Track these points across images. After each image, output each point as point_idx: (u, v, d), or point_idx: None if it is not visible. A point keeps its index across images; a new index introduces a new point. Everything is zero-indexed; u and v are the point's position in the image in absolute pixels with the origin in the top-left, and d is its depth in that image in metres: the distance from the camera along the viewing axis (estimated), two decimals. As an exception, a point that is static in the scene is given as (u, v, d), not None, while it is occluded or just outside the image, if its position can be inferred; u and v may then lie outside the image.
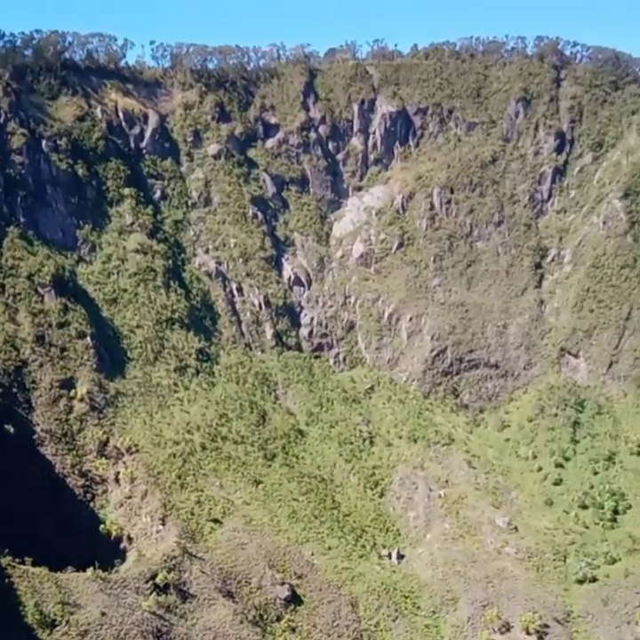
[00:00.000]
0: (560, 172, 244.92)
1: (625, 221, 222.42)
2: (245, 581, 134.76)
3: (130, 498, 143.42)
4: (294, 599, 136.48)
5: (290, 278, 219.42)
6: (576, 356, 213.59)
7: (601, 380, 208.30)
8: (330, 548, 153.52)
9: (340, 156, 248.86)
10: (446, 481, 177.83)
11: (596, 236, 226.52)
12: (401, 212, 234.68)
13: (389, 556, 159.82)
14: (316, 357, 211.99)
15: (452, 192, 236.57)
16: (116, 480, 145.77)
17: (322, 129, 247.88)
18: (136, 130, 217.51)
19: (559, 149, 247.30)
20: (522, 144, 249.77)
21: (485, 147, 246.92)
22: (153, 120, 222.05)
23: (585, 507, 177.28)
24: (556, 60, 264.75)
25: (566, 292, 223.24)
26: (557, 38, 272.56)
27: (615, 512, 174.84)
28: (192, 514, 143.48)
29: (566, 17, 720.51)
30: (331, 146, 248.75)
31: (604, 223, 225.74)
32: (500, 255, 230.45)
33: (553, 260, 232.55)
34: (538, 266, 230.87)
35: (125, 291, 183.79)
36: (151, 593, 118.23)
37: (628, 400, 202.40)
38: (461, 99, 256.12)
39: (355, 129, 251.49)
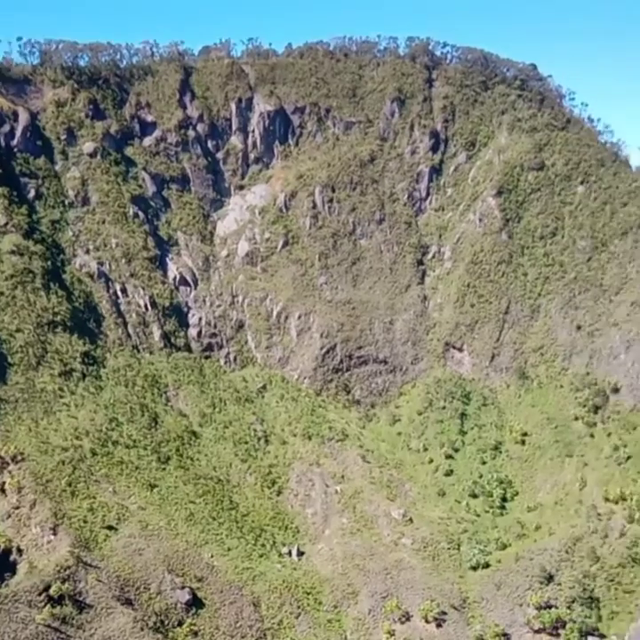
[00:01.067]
0: (436, 170, 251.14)
1: (499, 219, 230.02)
2: (144, 587, 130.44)
3: (18, 508, 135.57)
4: (195, 602, 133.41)
5: (175, 278, 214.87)
6: (460, 349, 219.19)
7: (484, 372, 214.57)
8: (229, 549, 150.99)
9: (219, 155, 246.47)
10: (342, 476, 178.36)
11: (473, 233, 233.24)
12: (284, 210, 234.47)
13: (289, 553, 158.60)
14: (206, 358, 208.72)
15: (333, 191, 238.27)
16: (2, 490, 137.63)
17: (200, 127, 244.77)
18: (6, 128, 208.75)
19: (434, 148, 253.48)
20: (398, 143, 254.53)
21: (363, 146, 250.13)
22: (23, 118, 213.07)
23: (475, 496, 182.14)
24: (428, 61, 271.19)
25: (448, 287, 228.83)
26: (428, 39, 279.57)
27: (503, 499, 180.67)
28: (85, 522, 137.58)
29: (435, 17, 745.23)
30: (210, 144, 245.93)
31: (480, 220, 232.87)
32: (383, 253, 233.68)
33: (434, 256, 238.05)
34: (420, 263, 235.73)
35: (2, 294, 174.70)
36: (45, 605, 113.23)
37: (510, 391, 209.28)
38: (338, 98, 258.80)
39: (233, 127, 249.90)
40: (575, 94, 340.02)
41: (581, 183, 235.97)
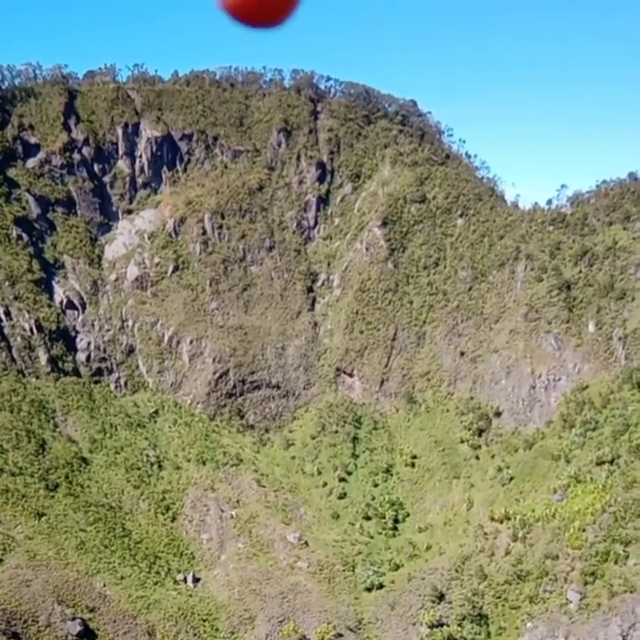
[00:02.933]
0: (323, 200, 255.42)
1: (385, 248, 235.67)
2: (32, 620, 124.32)
3: None
4: (87, 634, 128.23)
5: (62, 302, 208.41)
6: (350, 374, 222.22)
7: (374, 397, 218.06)
8: (122, 578, 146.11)
9: (106, 179, 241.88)
10: (237, 501, 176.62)
11: (360, 261, 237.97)
12: (173, 235, 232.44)
13: (185, 580, 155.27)
14: (96, 382, 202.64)
15: (222, 217, 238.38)
16: None
17: (86, 150, 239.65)
18: None
19: (321, 179, 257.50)
20: (286, 173, 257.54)
21: (252, 174, 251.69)
22: None
23: (368, 517, 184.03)
24: (312, 94, 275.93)
25: (337, 314, 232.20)
26: (312, 72, 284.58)
27: (395, 521, 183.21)
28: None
29: (319, 51, 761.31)
30: (96, 168, 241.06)
31: (367, 250, 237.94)
32: (273, 279, 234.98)
33: (323, 284, 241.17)
34: (310, 290, 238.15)
35: None
36: None
37: (399, 415, 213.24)
38: (225, 126, 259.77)
39: (120, 152, 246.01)
40: (453, 131, 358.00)
41: (461, 216, 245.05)
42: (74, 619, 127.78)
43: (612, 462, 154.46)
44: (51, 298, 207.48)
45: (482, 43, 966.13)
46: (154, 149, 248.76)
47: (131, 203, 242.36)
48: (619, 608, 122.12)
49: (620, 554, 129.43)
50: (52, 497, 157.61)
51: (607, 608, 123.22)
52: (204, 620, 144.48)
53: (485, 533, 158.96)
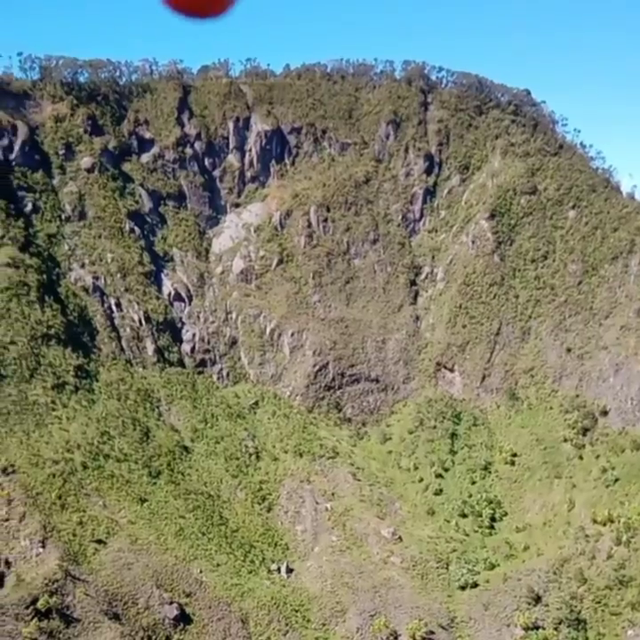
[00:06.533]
0: (430, 192, 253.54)
1: (492, 241, 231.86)
2: (132, 602, 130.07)
3: (7, 520, 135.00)
4: (183, 618, 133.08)
5: (170, 294, 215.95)
6: (451, 370, 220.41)
7: (475, 392, 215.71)
8: (218, 565, 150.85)
9: (216, 173, 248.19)
10: (332, 494, 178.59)
11: (465, 254, 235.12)
12: (279, 228, 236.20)
13: (278, 570, 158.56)
14: (199, 373, 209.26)
15: (328, 210, 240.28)
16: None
17: (197, 145, 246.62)
18: (4, 141, 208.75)
19: (428, 171, 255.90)
20: (393, 165, 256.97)
21: (359, 167, 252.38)
22: (22, 132, 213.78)
23: (464, 515, 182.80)
24: (423, 85, 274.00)
25: (440, 308, 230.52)
26: (424, 63, 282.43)
27: (492, 519, 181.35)
28: (74, 535, 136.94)
29: (431, 42, 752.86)
30: (207, 162, 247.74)
31: (473, 242, 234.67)
32: (376, 272, 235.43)
33: (426, 277, 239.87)
34: (413, 283, 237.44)
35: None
36: (32, 619, 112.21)
37: (500, 412, 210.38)
38: (334, 119, 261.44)
39: (230, 146, 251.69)
40: (568, 120, 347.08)
41: (573, 208, 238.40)
42: (171, 603, 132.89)
43: None
44: (159, 290, 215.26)
45: (599, 28, 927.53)
46: (263, 143, 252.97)
47: (239, 196, 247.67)
48: None
49: None
50: (155, 484, 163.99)
51: None
52: (296, 611, 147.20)
53: (587, 536, 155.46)
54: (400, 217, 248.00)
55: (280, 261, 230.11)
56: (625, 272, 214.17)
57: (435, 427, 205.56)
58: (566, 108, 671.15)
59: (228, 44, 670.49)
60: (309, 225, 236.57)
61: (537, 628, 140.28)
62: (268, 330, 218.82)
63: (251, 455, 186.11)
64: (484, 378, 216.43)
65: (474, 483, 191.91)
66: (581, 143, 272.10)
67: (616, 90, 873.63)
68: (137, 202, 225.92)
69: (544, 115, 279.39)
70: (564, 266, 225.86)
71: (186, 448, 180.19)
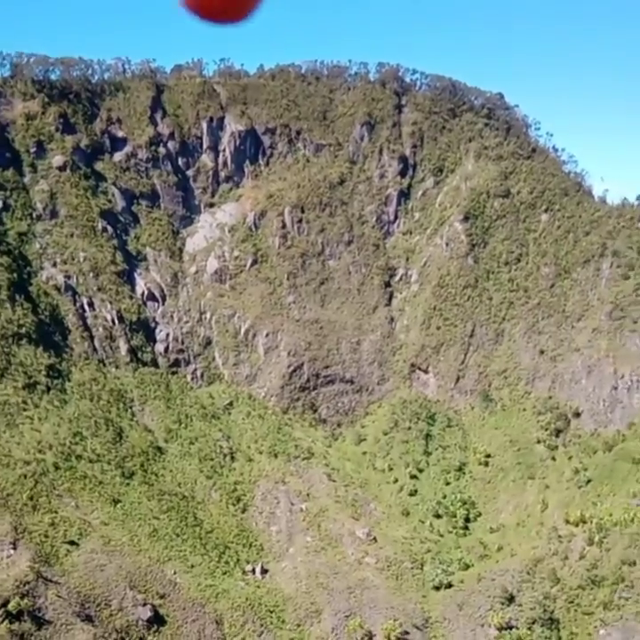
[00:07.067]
0: (405, 194, 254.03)
1: (465, 243, 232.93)
2: (105, 604, 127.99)
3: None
4: (157, 619, 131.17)
5: (143, 293, 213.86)
6: (425, 371, 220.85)
7: (449, 394, 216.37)
8: (193, 566, 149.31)
9: (190, 173, 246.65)
10: (307, 494, 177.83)
11: (439, 256, 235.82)
12: (253, 229, 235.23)
13: (253, 571, 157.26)
14: (173, 373, 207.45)
15: (302, 211, 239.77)
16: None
17: (171, 144, 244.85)
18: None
19: (403, 173, 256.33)
20: (367, 167, 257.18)
21: (333, 168, 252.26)
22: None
23: (439, 516, 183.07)
24: (397, 87, 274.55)
25: (414, 310, 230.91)
26: (398, 65, 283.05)
27: (466, 520, 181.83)
28: (46, 536, 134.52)
29: (405, 44, 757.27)
30: (180, 162, 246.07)
31: (447, 245, 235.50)
32: (351, 274, 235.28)
33: (401, 279, 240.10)
34: (387, 284, 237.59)
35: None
36: (3, 621, 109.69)
37: (474, 413, 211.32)
38: (308, 120, 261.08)
39: (204, 146, 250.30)
40: (540, 124, 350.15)
41: (545, 211, 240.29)
42: (145, 604, 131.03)
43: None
44: (132, 289, 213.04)
45: (572, 32, 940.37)
46: (237, 143, 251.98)
47: (213, 196, 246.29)
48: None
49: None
50: (128, 484, 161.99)
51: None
52: (271, 612, 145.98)
53: (560, 536, 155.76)
54: (374, 218, 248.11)
55: (254, 262, 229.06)
56: (597, 275, 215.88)
57: (409, 428, 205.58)
58: (539, 112, 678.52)
59: (201, 43, 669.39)
60: (284, 226, 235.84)
61: (511, 627, 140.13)
62: (242, 330, 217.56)
63: (225, 456, 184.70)
64: (458, 379, 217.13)
65: (448, 483, 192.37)
66: (554, 147, 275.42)
67: (589, 95, 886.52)
68: (109, 201, 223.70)
69: (517, 118, 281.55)
70: (537, 269, 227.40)
71: (159, 449, 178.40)
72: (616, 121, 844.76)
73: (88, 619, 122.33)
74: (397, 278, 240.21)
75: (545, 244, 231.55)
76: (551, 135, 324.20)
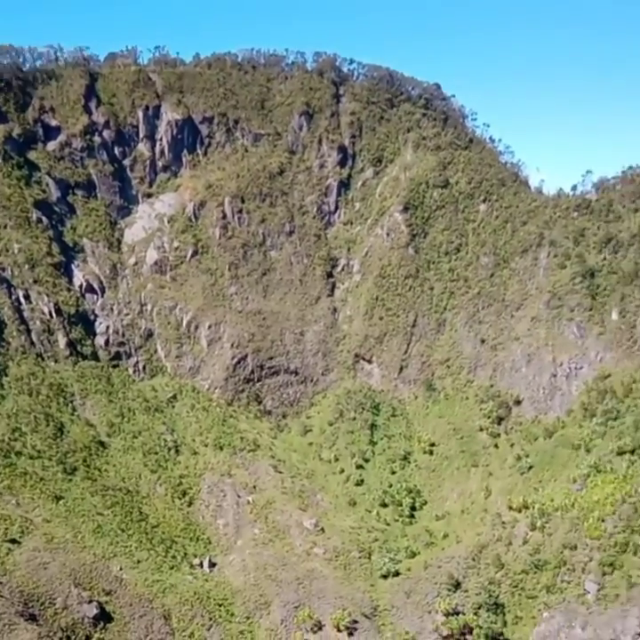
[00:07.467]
0: (345, 185, 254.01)
1: (406, 234, 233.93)
2: (49, 602, 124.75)
3: None
4: (103, 616, 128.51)
5: (81, 285, 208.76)
6: (369, 361, 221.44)
7: (393, 383, 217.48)
8: (139, 562, 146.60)
9: (127, 162, 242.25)
10: (254, 486, 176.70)
11: (380, 247, 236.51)
12: (193, 219, 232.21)
13: (201, 564, 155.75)
14: (114, 367, 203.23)
15: (242, 201, 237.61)
16: None
17: (106, 133, 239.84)
18: None
19: (342, 163, 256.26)
20: (307, 157, 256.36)
21: (272, 158, 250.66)
22: None
23: (385, 505, 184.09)
24: (335, 77, 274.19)
25: (357, 300, 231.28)
26: (335, 55, 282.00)
27: (412, 508, 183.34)
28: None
29: (342, 33, 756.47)
30: (117, 151, 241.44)
31: (388, 235, 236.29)
32: (293, 264, 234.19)
33: (343, 269, 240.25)
34: (329, 275, 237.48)
35: None
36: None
37: (418, 402, 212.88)
38: (246, 110, 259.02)
39: (141, 135, 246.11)
40: (477, 115, 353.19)
41: (483, 201, 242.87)
42: (90, 601, 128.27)
43: (633, 452, 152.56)
44: (70, 281, 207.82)
45: (508, 26, 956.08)
46: (174, 132, 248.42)
47: (151, 186, 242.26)
48: (637, 599, 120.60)
49: (639, 544, 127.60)
50: (70, 480, 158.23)
51: (625, 599, 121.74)
52: (220, 605, 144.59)
53: (503, 522, 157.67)
54: (315, 209, 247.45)
55: (195, 253, 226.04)
56: (534, 265, 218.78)
57: (354, 418, 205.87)
58: (475, 103, 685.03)
59: (135, 31, 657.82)
60: (224, 216, 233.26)
61: (457, 613, 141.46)
62: (184, 322, 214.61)
63: (170, 449, 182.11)
64: (401, 369, 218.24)
65: (394, 473, 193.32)
66: (491, 137, 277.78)
67: (524, 86, 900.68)
68: (44, 191, 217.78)
69: (454, 109, 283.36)
70: (477, 258, 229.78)
71: (102, 443, 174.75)
72: (552, 111, 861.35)
73: (32, 618, 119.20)
74: (339, 269, 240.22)
75: (484, 234, 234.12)
76: (488, 126, 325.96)
